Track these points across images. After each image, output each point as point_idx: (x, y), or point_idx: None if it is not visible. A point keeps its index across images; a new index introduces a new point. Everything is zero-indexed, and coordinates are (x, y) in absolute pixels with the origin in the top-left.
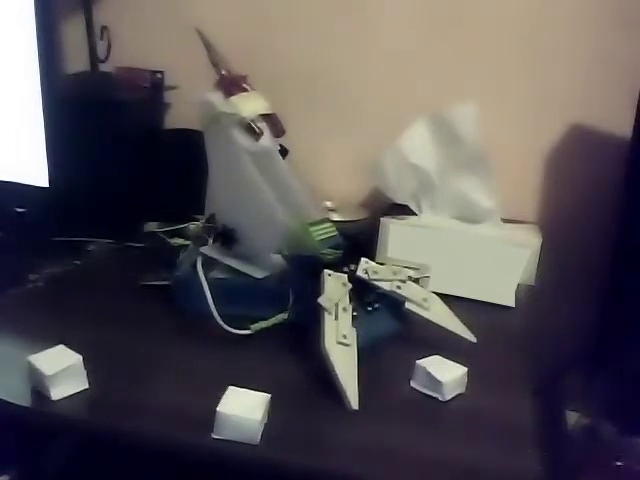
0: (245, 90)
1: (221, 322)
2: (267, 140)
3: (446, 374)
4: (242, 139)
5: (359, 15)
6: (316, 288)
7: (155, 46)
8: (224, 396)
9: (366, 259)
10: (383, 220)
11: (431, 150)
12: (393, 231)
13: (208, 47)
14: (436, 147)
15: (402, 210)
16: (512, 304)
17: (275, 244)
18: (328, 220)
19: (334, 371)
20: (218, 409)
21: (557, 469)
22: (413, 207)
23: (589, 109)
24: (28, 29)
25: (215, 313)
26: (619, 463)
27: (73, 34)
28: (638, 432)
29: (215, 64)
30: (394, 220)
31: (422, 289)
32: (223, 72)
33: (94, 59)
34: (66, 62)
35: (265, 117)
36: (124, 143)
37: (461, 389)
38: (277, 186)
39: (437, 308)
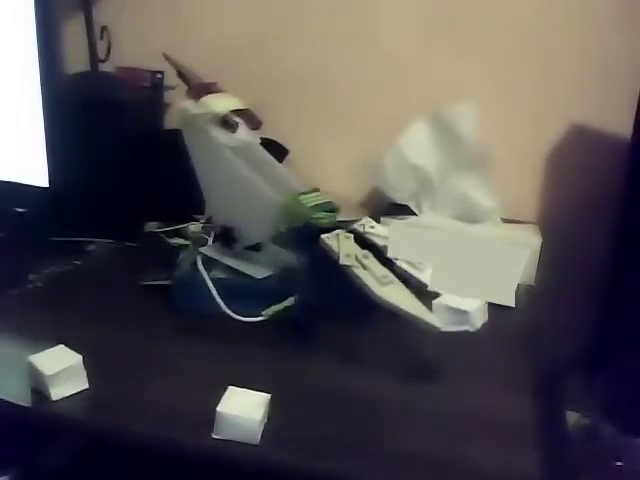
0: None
1: (230, 312)
2: (245, 133)
3: (469, 304)
4: (220, 134)
5: (359, 15)
6: (320, 255)
7: (155, 46)
8: (224, 396)
9: (370, 219)
10: (383, 220)
11: (431, 150)
12: (393, 231)
13: (177, 67)
14: (436, 147)
15: (402, 210)
16: (512, 304)
17: (271, 227)
18: (317, 190)
19: (399, 309)
20: (218, 409)
21: (557, 469)
22: (413, 207)
23: (589, 109)
24: (28, 29)
25: (222, 304)
26: (619, 463)
27: (73, 34)
28: (638, 432)
29: (185, 79)
30: (394, 220)
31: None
32: (193, 82)
33: (94, 59)
34: (66, 62)
35: (239, 112)
36: (124, 143)
37: (485, 318)
38: (264, 175)
39: (428, 275)
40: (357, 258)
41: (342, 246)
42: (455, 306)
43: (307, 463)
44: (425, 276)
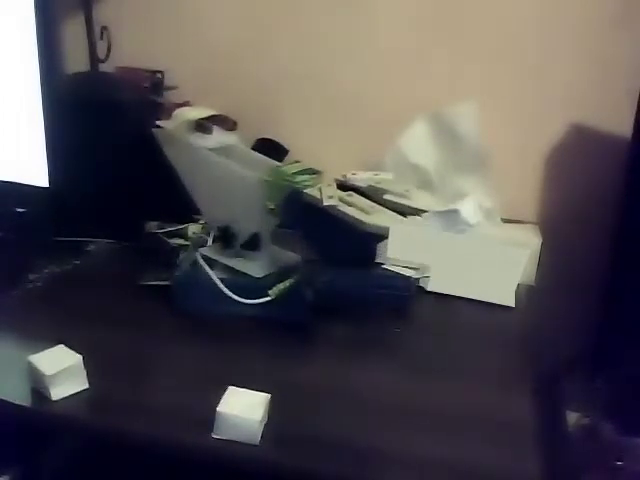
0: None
1: (235, 296)
2: (222, 135)
3: (459, 204)
4: (197, 139)
5: (358, 15)
6: (307, 210)
7: (155, 46)
8: (224, 396)
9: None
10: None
11: (431, 149)
12: (393, 231)
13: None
14: (436, 146)
15: None
16: (512, 304)
17: (264, 211)
18: (298, 161)
19: (387, 233)
20: (218, 409)
21: (557, 469)
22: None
23: (589, 109)
24: (28, 29)
25: (226, 290)
26: (619, 463)
27: (73, 34)
28: (638, 432)
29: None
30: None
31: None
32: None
33: (94, 59)
34: (66, 62)
35: (213, 118)
36: (124, 143)
37: (478, 217)
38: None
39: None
40: (341, 199)
41: (324, 191)
42: (444, 209)
43: (307, 463)
44: (412, 201)
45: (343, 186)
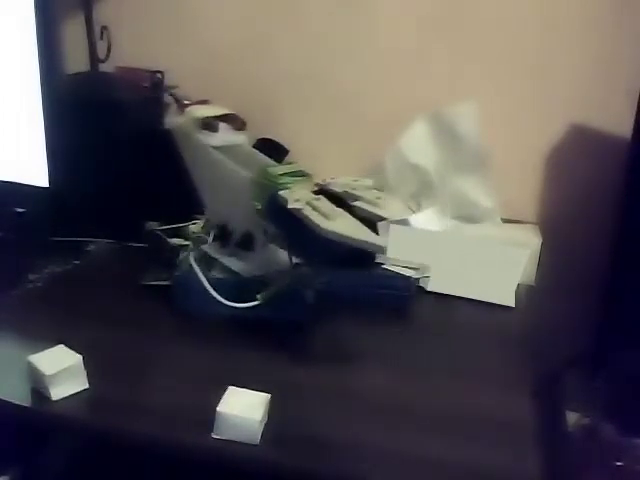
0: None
1: (224, 300)
2: (229, 134)
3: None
4: (203, 136)
5: (358, 15)
6: (282, 212)
7: (155, 46)
8: (224, 396)
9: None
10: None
11: (431, 150)
12: (393, 231)
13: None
14: (436, 147)
15: None
16: (512, 304)
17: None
18: (290, 163)
19: (345, 236)
20: (218, 409)
21: (557, 469)
22: (413, 207)
23: (589, 109)
24: (28, 29)
25: (215, 294)
26: (619, 463)
27: (73, 34)
28: (638, 432)
29: (176, 99)
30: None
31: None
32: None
33: (94, 59)
34: (66, 62)
35: (224, 117)
36: (124, 143)
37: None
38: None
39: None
40: (308, 202)
41: (294, 194)
42: (395, 219)
43: (307, 463)
44: (379, 209)
45: (321, 190)
